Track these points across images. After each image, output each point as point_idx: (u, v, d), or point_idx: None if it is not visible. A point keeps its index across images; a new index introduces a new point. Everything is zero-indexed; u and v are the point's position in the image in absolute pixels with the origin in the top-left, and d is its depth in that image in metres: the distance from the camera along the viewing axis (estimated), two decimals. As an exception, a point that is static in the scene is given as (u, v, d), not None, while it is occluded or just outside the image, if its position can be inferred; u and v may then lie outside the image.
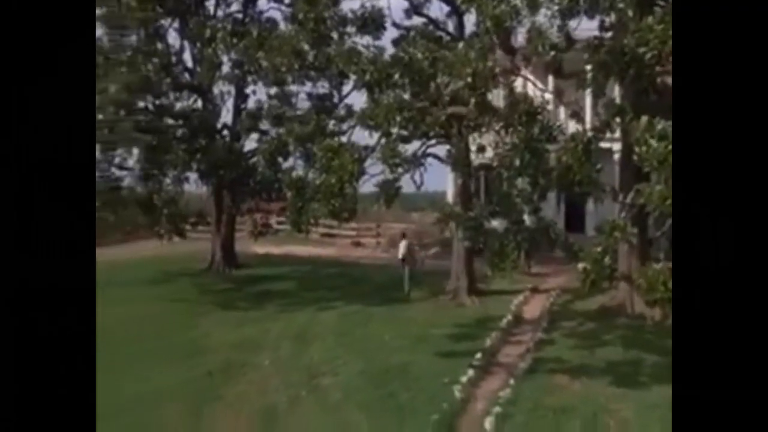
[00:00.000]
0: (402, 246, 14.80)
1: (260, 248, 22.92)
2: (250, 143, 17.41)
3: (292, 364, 9.87)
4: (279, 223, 30.69)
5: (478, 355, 9.55)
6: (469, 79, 9.04)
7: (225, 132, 17.23)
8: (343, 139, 11.85)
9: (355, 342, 10.81)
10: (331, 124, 13.78)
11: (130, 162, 15.95)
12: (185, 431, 7.53)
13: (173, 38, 17.17)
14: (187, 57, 17.43)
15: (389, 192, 9.47)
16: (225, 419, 7.83)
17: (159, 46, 16.36)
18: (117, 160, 15.86)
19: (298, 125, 12.45)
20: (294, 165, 12.42)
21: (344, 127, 13.99)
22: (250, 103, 17.38)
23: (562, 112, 15.31)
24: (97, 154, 15.45)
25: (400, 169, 9.67)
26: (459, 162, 12.19)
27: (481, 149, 13.19)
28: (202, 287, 16.13)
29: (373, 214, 25.28)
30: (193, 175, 16.39)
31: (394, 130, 10.21)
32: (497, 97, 11.38)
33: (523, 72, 11.02)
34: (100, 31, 13.93)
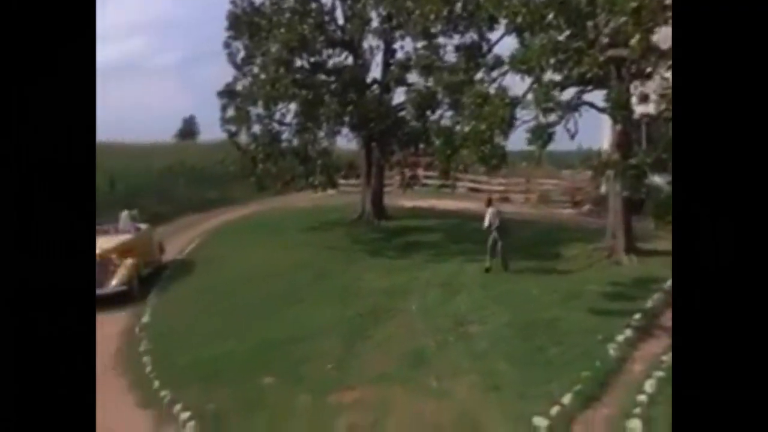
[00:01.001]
0: (489, 214, 12.39)
1: (408, 202, 23.43)
2: (399, 97, 17.67)
3: (439, 311, 10.00)
4: (426, 177, 31.18)
5: (637, 316, 8.91)
6: (633, 14, 8.16)
7: (374, 86, 17.59)
8: (493, 86, 11.49)
9: (502, 294, 10.65)
10: (480, 73, 13.44)
11: (288, 118, 17.09)
12: (339, 363, 7.99)
13: (325, -2, 17.70)
14: (338, 15, 17.93)
15: (542, 137, 9.00)
16: (375, 357, 8.21)
17: (313, 5, 16.99)
18: (277, 116, 17.06)
19: (446, 74, 12.29)
20: (442, 115, 12.39)
21: (494, 74, 13.59)
22: (399, 56, 17.45)
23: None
24: (260, 109, 16.75)
25: (553, 115, 9.15)
26: (618, 107, 11.19)
27: (644, 98, 11.94)
28: (353, 236, 16.90)
29: (522, 171, 24.51)
30: (344, 133, 17.17)
31: (548, 75, 9.63)
32: (665, 39, 10.18)
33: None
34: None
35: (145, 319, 10.83)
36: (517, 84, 10.03)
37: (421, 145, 18.13)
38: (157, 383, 8.02)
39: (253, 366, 8.16)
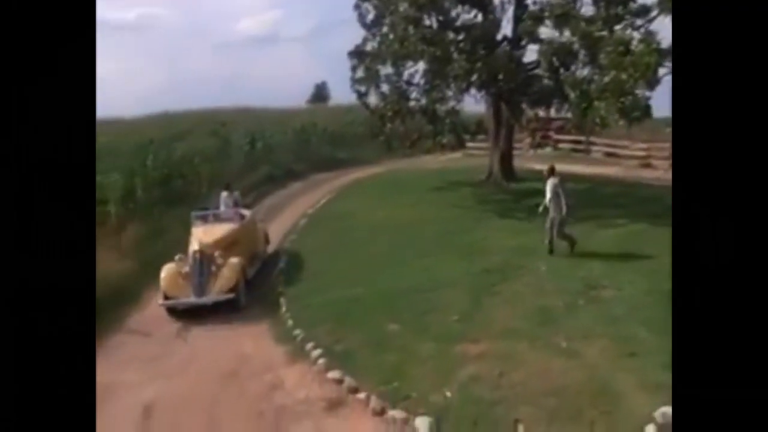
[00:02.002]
0: (549, 185, 10.53)
1: (538, 165, 22.53)
2: (531, 56, 16.86)
3: (570, 274, 9.55)
4: (558, 141, 29.74)
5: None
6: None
7: (504, 43, 16.92)
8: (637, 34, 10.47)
9: (640, 260, 9.91)
10: (621, 24, 12.36)
11: (417, 78, 17.03)
12: (464, 316, 7.95)
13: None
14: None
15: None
16: (501, 313, 8.06)
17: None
18: (406, 76, 17.07)
19: (584, 23, 11.44)
20: (577, 69, 11.56)
21: (638, 22, 12.43)
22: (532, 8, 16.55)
23: None
24: (389, 69, 16.85)
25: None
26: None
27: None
28: (481, 197, 16.63)
29: (666, 136, 22.47)
30: (472, 93, 16.72)
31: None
32: None
33: None
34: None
35: (281, 264, 11.53)
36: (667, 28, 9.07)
37: (554, 103, 17.30)
38: (290, 322, 8.54)
39: (379, 312, 8.38)
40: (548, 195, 10.60)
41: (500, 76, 14.60)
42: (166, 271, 9.55)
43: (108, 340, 8.49)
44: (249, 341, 8.28)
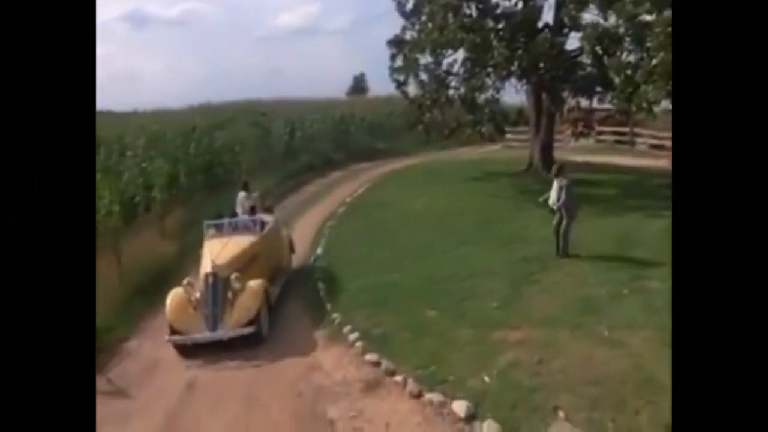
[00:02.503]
0: (555, 186, 9.64)
1: (579, 157, 22.08)
2: (573, 44, 16.44)
3: (613, 264, 9.33)
4: (600, 132, 28.97)
5: None
6: None
7: (545, 31, 16.56)
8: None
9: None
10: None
11: (456, 68, 16.85)
12: (504, 303, 7.86)
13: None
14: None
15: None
16: (541, 301, 7.93)
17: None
18: (444, 65, 16.90)
19: (630, 5, 11.05)
20: (622, 53, 11.17)
21: None
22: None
23: None
24: (428, 58, 16.71)
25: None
26: None
27: None
28: (520, 187, 16.39)
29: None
30: (512, 83, 16.38)
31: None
32: None
33: None
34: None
35: (319, 251, 11.61)
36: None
37: (597, 92, 16.88)
38: (328, 305, 8.59)
39: (417, 298, 8.36)
40: (553, 197, 9.63)
41: (541, 65, 14.29)
42: (173, 297, 7.77)
43: (153, 320, 8.71)
44: (287, 327, 8.37)
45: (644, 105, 9.23)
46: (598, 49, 12.48)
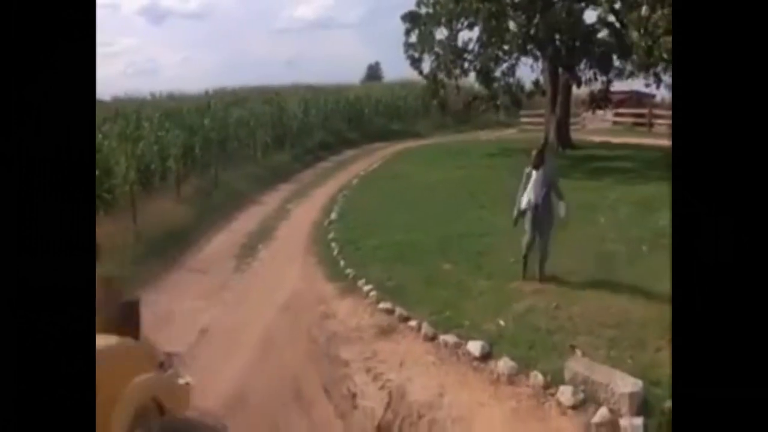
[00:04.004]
0: (526, 181, 6.83)
1: (597, 137, 21.84)
2: (590, 16, 16.16)
3: (633, 224, 9.19)
4: (617, 115, 28.58)
5: None
6: None
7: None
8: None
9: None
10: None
11: (471, 45, 16.65)
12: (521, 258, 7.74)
13: None
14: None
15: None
16: (560, 256, 7.74)
17: None
18: (460, 42, 16.72)
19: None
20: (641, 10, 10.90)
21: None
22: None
23: None
24: (443, 33, 16.53)
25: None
26: None
27: None
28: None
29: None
30: (528, 63, 16.11)
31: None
32: None
33: None
34: None
35: (333, 216, 11.56)
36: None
37: (614, 68, 16.64)
38: (342, 263, 8.54)
39: (433, 254, 8.27)
40: (525, 197, 6.74)
41: (557, 36, 14.06)
42: None
43: (166, 279, 8.73)
44: (300, 277, 8.34)
45: (665, 56, 8.97)
46: (613, 16, 12.17)
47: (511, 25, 14.13)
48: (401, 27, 17.80)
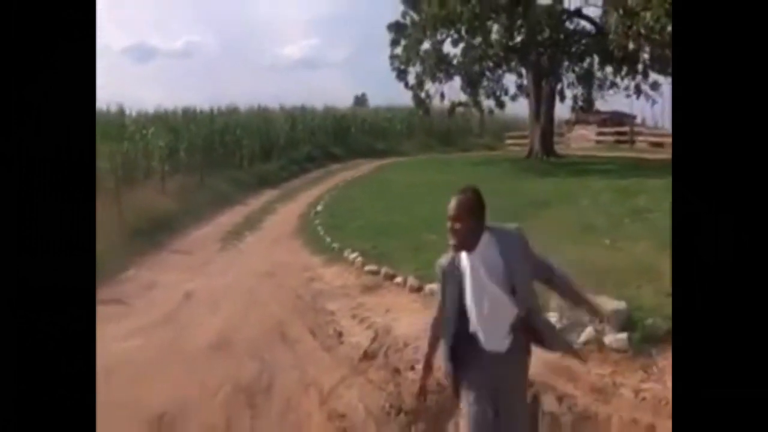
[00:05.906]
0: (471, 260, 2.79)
1: (580, 152, 22.25)
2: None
3: (615, 206, 9.37)
4: (599, 134, 29.18)
5: None
6: None
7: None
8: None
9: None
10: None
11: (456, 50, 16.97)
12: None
13: None
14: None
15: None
16: (545, 228, 7.83)
17: None
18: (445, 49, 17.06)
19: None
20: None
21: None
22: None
23: None
24: (427, 45, 16.89)
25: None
26: None
27: None
28: (521, 167, 16.54)
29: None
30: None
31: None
32: None
33: None
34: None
35: (319, 207, 11.58)
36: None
37: (595, 81, 17.10)
38: (328, 239, 8.53)
39: (417, 229, 8.30)
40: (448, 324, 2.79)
41: (539, 37, 14.48)
42: None
43: (150, 259, 8.66)
44: (286, 253, 8.32)
45: (642, 31, 9.24)
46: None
47: (495, 27, 14.49)
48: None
